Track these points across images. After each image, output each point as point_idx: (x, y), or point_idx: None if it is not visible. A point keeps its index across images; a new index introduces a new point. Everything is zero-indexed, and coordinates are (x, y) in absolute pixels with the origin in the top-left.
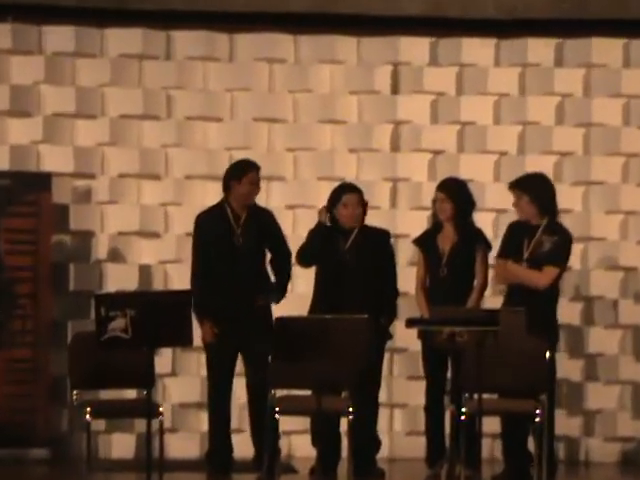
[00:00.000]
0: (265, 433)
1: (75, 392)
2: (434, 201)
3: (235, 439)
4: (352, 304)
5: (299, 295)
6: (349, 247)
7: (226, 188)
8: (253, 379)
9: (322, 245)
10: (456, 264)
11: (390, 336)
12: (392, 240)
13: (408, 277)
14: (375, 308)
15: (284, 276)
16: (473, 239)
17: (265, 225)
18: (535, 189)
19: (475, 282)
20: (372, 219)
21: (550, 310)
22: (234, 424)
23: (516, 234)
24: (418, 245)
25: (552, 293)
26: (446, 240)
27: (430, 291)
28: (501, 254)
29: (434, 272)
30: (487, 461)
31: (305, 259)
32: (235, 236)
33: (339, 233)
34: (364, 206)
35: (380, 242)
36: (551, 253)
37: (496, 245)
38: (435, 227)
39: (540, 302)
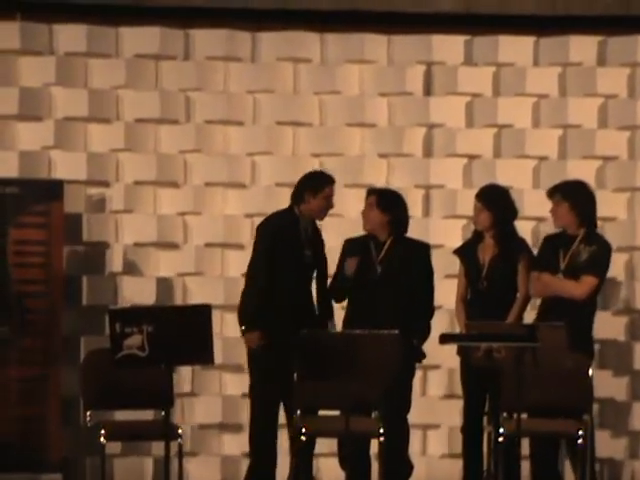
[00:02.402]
0: (291, 456)
1: (89, 413)
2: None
3: None
4: (383, 319)
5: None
6: (381, 259)
7: (298, 199)
8: None
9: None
10: (496, 276)
11: (424, 355)
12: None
13: (442, 290)
14: (407, 325)
15: (329, 303)
16: (515, 250)
17: (319, 242)
18: (576, 197)
19: (518, 295)
20: None
21: (586, 325)
22: None
23: (551, 246)
24: (458, 256)
25: (588, 307)
26: (486, 251)
27: (470, 305)
28: (536, 267)
29: (474, 285)
30: None
31: (337, 299)
32: (305, 251)
33: (373, 244)
34: (383, 210)
35: (417, 256)
36: (588, 263)
37: None
38: (476, 237)
39: (575, 317)
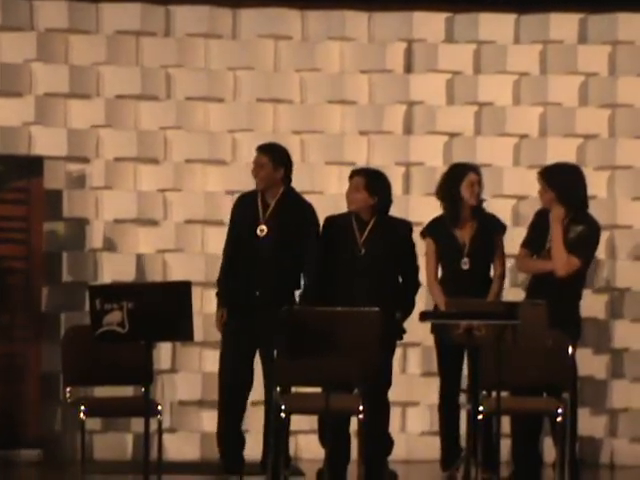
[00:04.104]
0: (270, 433)
1: (68, 389)
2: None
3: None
4: (366, 298)
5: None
6: (365, 240)
7: None
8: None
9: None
10: (479, 255)
11: (404, 331)
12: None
13: (421, 267)
14: (391, 302)
15: (308, 281)
16: (492, 227)
17: (298, 219)
18: (563, 187)
19: (493, 273)
20: None
21: (573, 304)
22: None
23: (542, 222)
24: (430, 236)
25: (576, 287)
26: (465, 229)
27: (447, 284)
28: (525, 243)
29: (453, 264)
30: (506, 463)
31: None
32: (258, 225)
33: (356, 222)
34: (371, 193)
35: (400, 234)
36: (574, 243)
37: (519, 233)
38: (444, 216)
39: (563, 295)
